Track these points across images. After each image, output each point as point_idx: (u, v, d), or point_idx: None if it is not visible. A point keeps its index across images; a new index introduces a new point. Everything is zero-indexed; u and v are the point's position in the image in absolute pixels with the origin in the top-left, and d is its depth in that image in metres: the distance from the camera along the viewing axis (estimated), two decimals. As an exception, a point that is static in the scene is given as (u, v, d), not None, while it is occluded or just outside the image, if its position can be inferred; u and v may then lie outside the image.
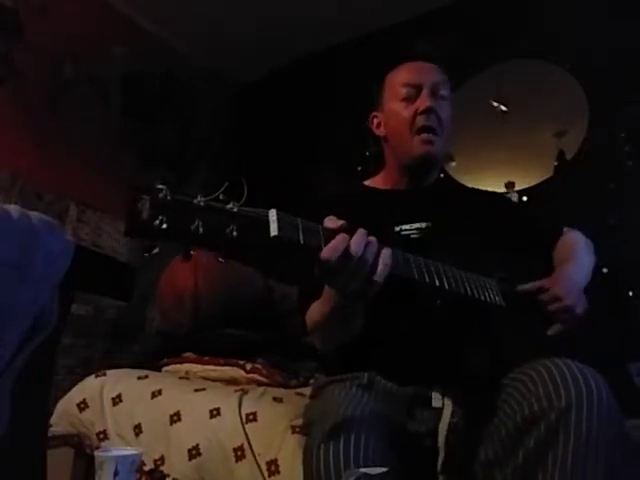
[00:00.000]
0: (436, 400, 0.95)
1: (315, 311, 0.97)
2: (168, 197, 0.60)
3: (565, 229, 1.22)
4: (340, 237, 0.71)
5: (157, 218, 0.59)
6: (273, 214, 0.67)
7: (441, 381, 0.96)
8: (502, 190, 2.20)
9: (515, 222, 1.18)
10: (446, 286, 0.86)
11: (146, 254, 0.64)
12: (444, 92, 1.09)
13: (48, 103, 2.38)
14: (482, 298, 0.93)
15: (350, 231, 0.73)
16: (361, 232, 0.73)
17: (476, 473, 0.87)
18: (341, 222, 0.73)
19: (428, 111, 1.06)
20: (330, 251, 0.70)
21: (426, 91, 1.07)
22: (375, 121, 1.17)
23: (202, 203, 0.63)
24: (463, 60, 2.43)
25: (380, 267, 0.74)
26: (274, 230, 0.66)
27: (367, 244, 0.73)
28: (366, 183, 1.23)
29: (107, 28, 2.66)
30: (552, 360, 0.83)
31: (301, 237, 0.69)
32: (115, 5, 2.70)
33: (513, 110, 2.28)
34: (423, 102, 1.06)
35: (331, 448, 0.82)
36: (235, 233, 0.64)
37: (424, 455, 0.93)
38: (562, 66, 2.20)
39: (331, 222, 0.74)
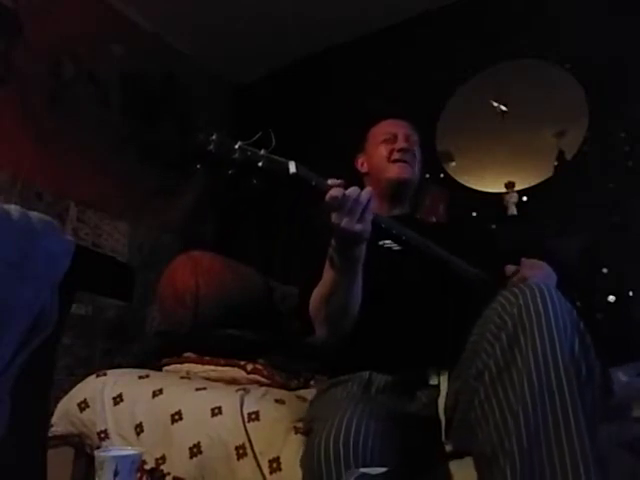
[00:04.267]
0: (433, 379, 1.07)
1: (318, 292, 1.10)
2: (217, 137, 0.92)
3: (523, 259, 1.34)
4: (339, 188, 0.95)
5: (209, 145, 0.91)
6: (292, 161, 0.96)
7: (433, 361, 1.08)
8: (502, 190, 2.20)
9: (483, 246, 1.38)
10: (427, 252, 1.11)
11: (197, 166, 0.97)
12: (414, 139, 1.41)
13: (48, 103, 2.37)
14: (462, 273, 1.13)
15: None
16: (355, 187, 0.96)
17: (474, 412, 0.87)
18: (340, 181, 0.97)
19: (403, 150, 1.36)
20: (333, 192, 0.94)
21: (401, 137, 1.39)
22: (359, 161, 1.46)
23: (241, 144, 0.93)
24: (463, 60, 2.43)
25: (369, 208, 0.97)
26: (292, 169, 0.95)
27: (359, 192, 0.96)
28: None
29: (107, 28, 2.66)
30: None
31: (313, 180, 0.96)
32: (115, 5, 2.70)
33: (513, 110, 2.28)
34: (400, 144, 1.37)
35: (332, 446, 0.83)
36: (264, 166, 0.93)
37: (427, 432, 0.98)
38: (562, 66, 2.20)
39: (332, 181, 0.98)
